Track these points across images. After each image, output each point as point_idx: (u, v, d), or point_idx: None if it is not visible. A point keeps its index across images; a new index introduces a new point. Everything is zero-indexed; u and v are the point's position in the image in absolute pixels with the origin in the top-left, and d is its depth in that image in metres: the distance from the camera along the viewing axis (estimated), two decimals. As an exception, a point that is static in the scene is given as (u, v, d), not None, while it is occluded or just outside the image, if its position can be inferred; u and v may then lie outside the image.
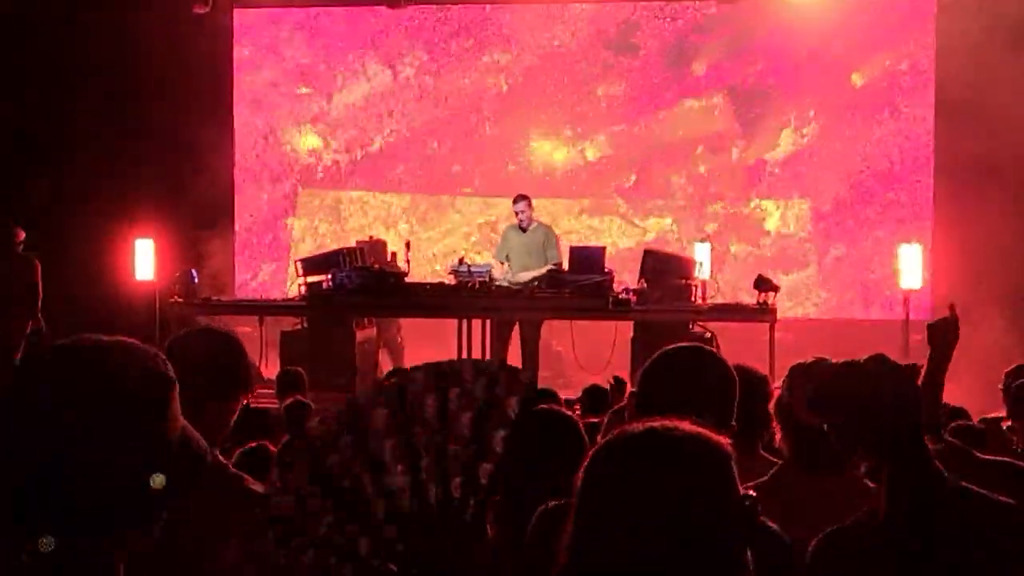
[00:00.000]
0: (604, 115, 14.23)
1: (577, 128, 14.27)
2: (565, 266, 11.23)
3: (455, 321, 10.84)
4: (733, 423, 2.77)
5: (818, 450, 3.04)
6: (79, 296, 11.67)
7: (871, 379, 2.68)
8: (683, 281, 10.95)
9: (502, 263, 11.58)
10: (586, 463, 1.89)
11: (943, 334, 3.39)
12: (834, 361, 2.91)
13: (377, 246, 13.03)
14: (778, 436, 3.38)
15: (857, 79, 13.80)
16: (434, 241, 14.52)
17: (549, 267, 11.26)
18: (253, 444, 4.63)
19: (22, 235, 10.51)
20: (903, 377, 2.70)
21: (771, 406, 3.38)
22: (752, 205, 14.07)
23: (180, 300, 11.21)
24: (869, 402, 2.65)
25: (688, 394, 2.67)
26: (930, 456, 2.65)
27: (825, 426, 2.74)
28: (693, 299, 10.95)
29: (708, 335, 10.40)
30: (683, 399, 2.47)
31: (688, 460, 1.83)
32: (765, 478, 3.25)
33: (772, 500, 2.50)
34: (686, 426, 1.86)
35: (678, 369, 2.84)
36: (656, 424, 1.87)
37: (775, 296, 10.72)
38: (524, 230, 11.53)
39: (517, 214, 11.54)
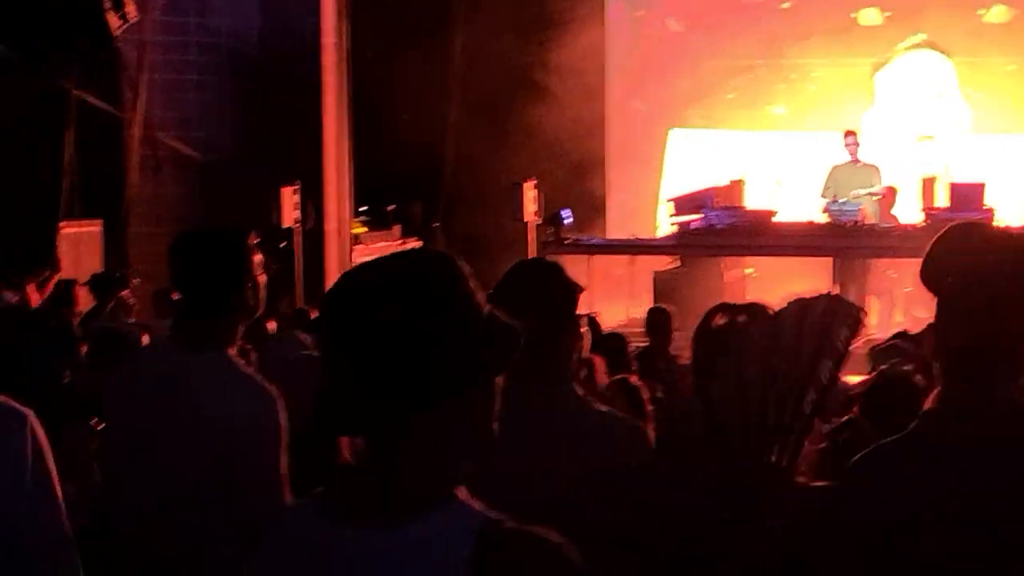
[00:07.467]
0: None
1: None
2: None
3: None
4: None
5: None
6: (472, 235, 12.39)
7: None
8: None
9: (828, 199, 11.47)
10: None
11: None
12: None
13: (740, 186, 12.95)
14: None
15: None
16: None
17: (877, 188, 11.41)
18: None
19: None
20: None
21: None
22: None
23: (552, 240, 11.61)
24: None
25: None
26: None
27: None
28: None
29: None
30: None
31: None
32: None
33: None
34: None
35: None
36: None
37: None
38: (856, 163, 11.53)
39: (848, 146, 11.54)
